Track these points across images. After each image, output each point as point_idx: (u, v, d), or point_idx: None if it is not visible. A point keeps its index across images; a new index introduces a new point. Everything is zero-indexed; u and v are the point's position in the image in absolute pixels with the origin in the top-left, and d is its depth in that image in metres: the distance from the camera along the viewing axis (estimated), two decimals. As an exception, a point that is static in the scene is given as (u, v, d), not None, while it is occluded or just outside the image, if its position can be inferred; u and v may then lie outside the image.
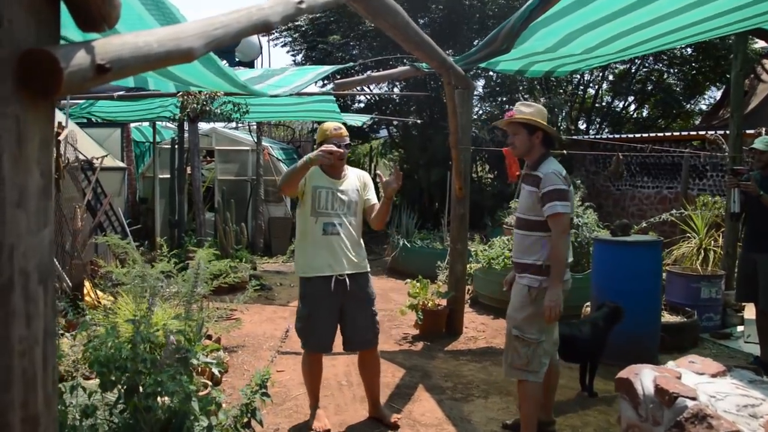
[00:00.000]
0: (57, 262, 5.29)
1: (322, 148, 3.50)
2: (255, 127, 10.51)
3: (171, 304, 4.90)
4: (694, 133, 10.73)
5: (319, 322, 3.65)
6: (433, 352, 5.51)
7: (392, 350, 5.54)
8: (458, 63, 5.41)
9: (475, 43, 11.46)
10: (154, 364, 2.26)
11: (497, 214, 10.77)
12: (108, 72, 0.86)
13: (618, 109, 15.37)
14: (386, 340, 5.87)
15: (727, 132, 7.04)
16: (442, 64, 4.24)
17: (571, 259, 3.54)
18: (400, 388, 4.58)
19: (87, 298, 5.36)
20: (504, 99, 13.59)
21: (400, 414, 4.06)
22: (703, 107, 15.92)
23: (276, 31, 14.37)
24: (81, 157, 6.26)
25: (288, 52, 14.72)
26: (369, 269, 3.87)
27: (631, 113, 15.59)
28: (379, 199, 3.84)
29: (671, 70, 14.29)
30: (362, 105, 14.73)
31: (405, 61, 6.72)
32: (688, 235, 7.03)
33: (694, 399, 1.95)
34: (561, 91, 14.62)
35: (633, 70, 14.41)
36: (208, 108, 7.64)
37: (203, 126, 11.20)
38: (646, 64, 14.31)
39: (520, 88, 13.65)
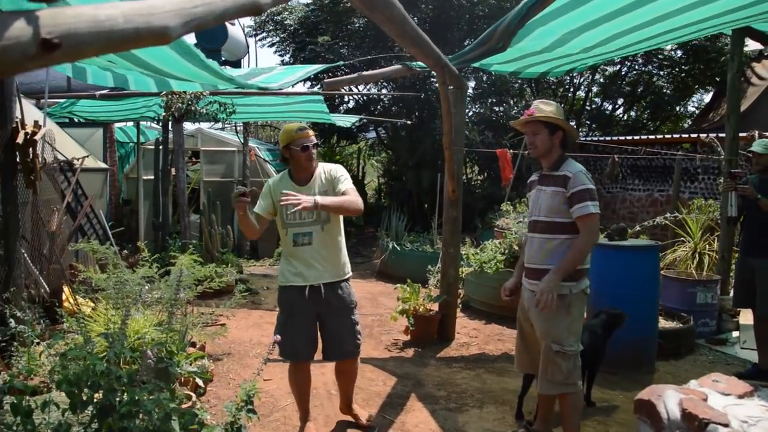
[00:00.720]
0: (34, 267, 5.08)
1: (236, 193, 3.24)
2: (242, 127, 10.32)
3: (153, 310, 4.72)
4: (685, 135, 10.68)
5: (294, 330, 3.52)
6: (425, 359, 5.35)
7: (383, 357, 5.38)
8: (452, 62, 5.26)
9: (465, 43, 11.35)
10: (130, 380, 2.09)
11: (487, 217, 10.66)
12: (57, 49, 0.69)
13: (608, 112, 15.32)
14: (376, 346, 5.71)
15: (721, 135, 6.97)
16: (437, 63, 4.09)
17: (588, 265, 3.35)
18: (392, 397, 4.42)
19: (66, 304, 5.15)
20: (494, 100, 13.50)
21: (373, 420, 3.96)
22: (693, 110, 15.91)
23: (263, 31, 14.17)
24: (60, 157, 6.04)
25: (275, 51, 14.53)
26: (349, 275, 3.71)
27: (621, 115, 15.55)
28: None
29: (661, 73, 14.26)
30: (351, 105, 14.57)
31: (393, 61, 6.60)
32: (681, 238, 6.93)
33: (726, 425, 1.79)
34: (551, 92, 14.55)
35: (623, 72, 14.37)
36: (193, 108, 7.45)
37: (188, 126, 10.99)
38: (636, 67, 14.28)
39: (510, 89, 13.57)
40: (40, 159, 4.62)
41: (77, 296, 5.17)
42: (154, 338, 4.23)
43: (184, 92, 7.32)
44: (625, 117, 15.60)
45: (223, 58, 9.67)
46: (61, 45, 0.69)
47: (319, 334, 3.64)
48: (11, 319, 3.91)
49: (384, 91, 14.03)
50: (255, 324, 6.37)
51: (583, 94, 15.21)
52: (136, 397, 2.00)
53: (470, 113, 13.66)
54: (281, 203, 3.17)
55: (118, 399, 2.13)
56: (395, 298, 6.05)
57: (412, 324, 5.71)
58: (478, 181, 14.26)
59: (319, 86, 11.61)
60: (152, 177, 9.39)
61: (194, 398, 3.74)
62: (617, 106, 15.46)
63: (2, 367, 3.89)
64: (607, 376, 4.68)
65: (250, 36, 14.38)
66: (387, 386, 4.64)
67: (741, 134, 6.68)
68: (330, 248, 3.57)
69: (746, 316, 5.45)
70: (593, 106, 15.42)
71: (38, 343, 4.13)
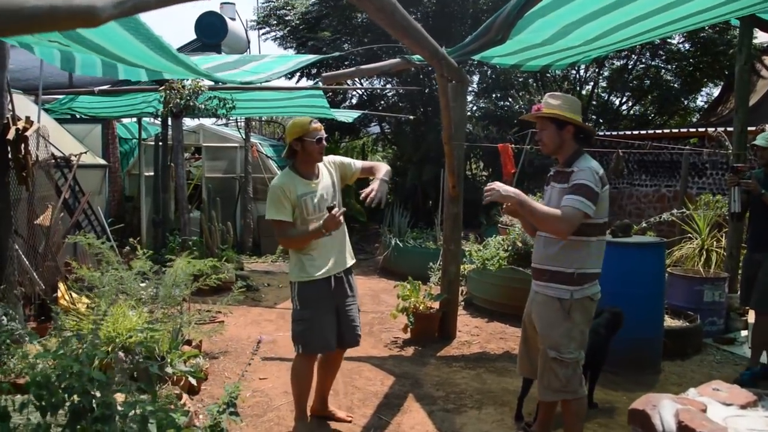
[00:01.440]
0: (29, 264, 5.02)
1: (331, 217, 3.34)
2: (243, 123, 10.24)
3: (149, 307, 4.65)
4: (693, 130, 10.52)
5: (324, 323, 3.55)
6: (424, 357, 5.26)
7: (381, 355, 5.29)
8: (451, 55, 5.15)
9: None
10: (104, 383, 2.00)
11: (492, 213, 10.53)
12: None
13: (614, 106, 15.14)
14: (376, 344, 5.62)
15: (729, 129, 6.82)
16: (433, 55, 3.98)
17: (596, 270, 3.16)
18: (389, 397, 4.33)
19: (62, 301, 5.09)
20: (499, 95, 13.36)
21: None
22: (701, 104, 15.70)
23: (266, 25, 14.07)
24: (57, 153, 5.98)
25: (279, 46, 14.43)
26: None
27: (628, 110, 15.36)
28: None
29: (669, 66, 14.06)
30: (354, 101, 14.47)
31: (390, 53, 6.47)
32: (689, 235, 6.79)
33: (726, 441, 1.69)
34: (556, 87, 14.39)
35: (630, 66, 14.18)
36: (192, 103, 7.36)
37: (190, 122, 10.92)
38: (643, 60, 14.09)
39: (515, 83, 13.42)
40: (33, 155, 4.56)
41: (72, 293, 5.11)
42: (146, 337, 4.18)
43: (183, 87, 7.24)
44: (632, 111, 15.41)
45: (223, 53, 9.59)
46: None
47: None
48: (3, 317, 3.86)
49: (388, 86, 13.94)
50: (254, 321, 6.29)
51: (589, 88, 15.03)
52: (109, 401, 1.92)
53: (474, 108, 13.53)
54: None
55: (95, 402, 2.05)
56: (396, 295, 5.96)
57: (412, 322, 5.62)
58: (484, 177, 14.12)
59: (318, 80, 11.51)
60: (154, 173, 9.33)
61: (185, 398, 3.66)
62: (624, 100, 15.27)
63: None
64: (610, 376, 4.57)
65: (253, 30, 14.32)
66: (384, 386, 4.55)
67: (750, 128, 6.54)
68: (343, 234, 3.67)
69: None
70: (600, 100, 15.24)
71: (31, 342, 4.07)
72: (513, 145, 6.14)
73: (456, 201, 5.77)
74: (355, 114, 11.64)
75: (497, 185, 3.01)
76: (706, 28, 11.95)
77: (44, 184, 5.48)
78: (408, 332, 5.72)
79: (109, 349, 3.89)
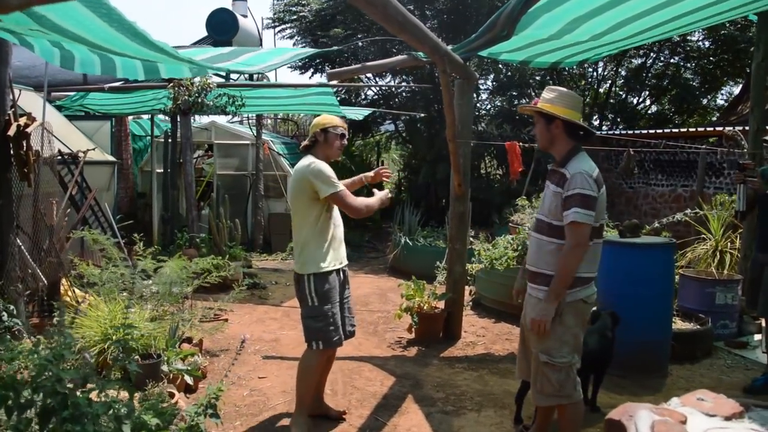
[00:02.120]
0: (32, 260, 5.03)
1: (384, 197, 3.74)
2: (254, 120, 10.23)
3: (151, 305, 4.64)
4: (711, 129, 10.30)
5: (338, 316, 3.60)
6: (427, 358, 5.18)
7: (384, 356, 5.23)
8: (456, 51, 5.07)
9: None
10: (77, 382, 1.97)
11: (504, 212, 10.41)
12: None
13: (632, 105, 14.89)
14: (379, 344, 5.56)
15: (746, 128, 6.65)
16: (434, 50, 3.90)
17: (590, 274, 3.08)
18: (388, 398, 4.27)
19: (66, 297, 5.10)
20: (514, 93, 13.21)
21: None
22: (721, 102, 15.39)
23: (281, 23, 14.06)
24: (64, 150, 5.99)
25: (294, 44, 14.41)
26: None
27: (646, 108, 15.10)
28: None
29: (688, 65, 13.79)
30: (367, 100, 14.41)
31: (394, 49, 6.39)
32: (703, 236, 6.64)
33: (701, 457, 1.59)
34: (573, 85, 14.19)
35: (648, 64, 13.94)
36: (200, 100, 7.35)
37: (203, 119, 10.95)
38: (662, 58, 13.83)
39: (531, 82, 13.25)
40: (34, 151, 4.56)
41: (75, 289, 5.11)
42: (144, 334, 4.16)
43: (191, 84, 7.23)
44: (650, 110, 15.16)
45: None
46: None
47: None
48: (3, 313, 3.86)
49: (403, 84, 13.85)
50: (258, 320, 6.27)
51: (607, 87, 14.80)
52: (77, 401, 1.88)
53: (488, 106, 13.40)
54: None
55: (69, 401, 2.01)
56: (401, 294, 5.89)
57: (416, 322, 5.54)
58: (498, 176, 13.99)
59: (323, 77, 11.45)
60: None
61: (178, 397, 3.63)
62: (642, 99, 15.02)
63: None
64: (615, 379, 4.46)
65: (269, 28, 14.30)
66: (384, 386, 4.49)
67: (767, 127, 6.36)
68: (342, 228, 3.72)
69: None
70: (618, 99, 15.00)
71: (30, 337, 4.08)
72: (520, 144, 6.01)
73: (462, 199, 5.68)
74: (366, 111, 11.58)
75: (539, 321, 2.96)
76: (727, 24, 11.70)
77: (50, 180, 5.49)
78: (412, 332, 5.66)
79: (105, 346, 3.90)
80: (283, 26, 14.28)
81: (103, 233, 5.99)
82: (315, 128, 3.61)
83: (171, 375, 4.01)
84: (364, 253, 10.58)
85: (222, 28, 8.74)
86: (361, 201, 3.59)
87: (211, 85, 7.31)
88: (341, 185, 3.48)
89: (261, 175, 10.23)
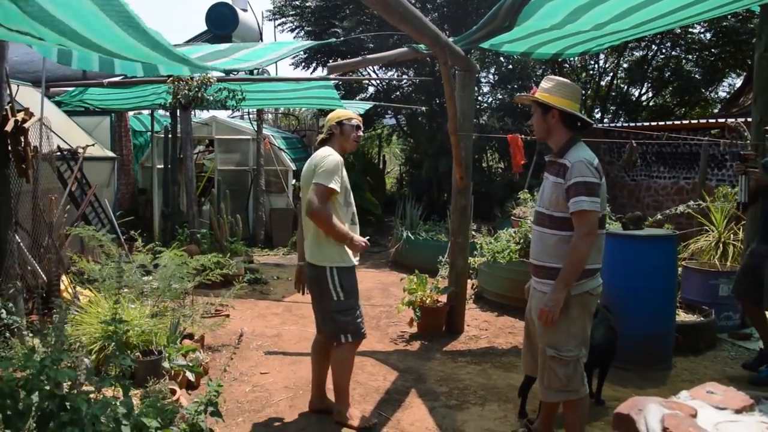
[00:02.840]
0: (31, 257, 5.00)
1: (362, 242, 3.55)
2: (255, 115, 10.20)
3: (151, 301, 4.61)
4: (713, 121, 10.24)
5: (362, 308, 3.73)
6: (430, 352, 5.16)
7: (387, 350, 5.21)
8: (458, 43, 5.04)
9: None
10: (73, 383, 1.94)
11: (506, 205, 10.37)
12: None
13: (634, 97, 14.83)
14: (381, 338, 5.54)
15: (749, 119, 6.59)
16: (435, 42, 3.86)
17: (595, 265, 3.04)
18: (391, 393, 4.24)
19: (65, 294, 5.07)
20: (516, 86, 13.14)
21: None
22: (723, 94, 15.33)
23: (282, 16, 13.98)
24: (64, 146, 5.96)
25: (295, 37, 14.34)
26: None
27: (648, 100, 15.04)
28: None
29: (689, 57, 13.72)
30: (368, 93, 14.35)
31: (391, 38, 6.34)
32: (705, 228, 6.60)
33: (715, 449, 1.56)
34: (575, 77, 14.13)
35: (650, 56, 13.87)
36: (200, 95, 7.31)
37: (203, 114, 10.91)
38: (664, 50, 13.76)
39: (533, 75, 13.19)
40: (32, 147, 4.52)
41: (75, 286, 5.09)
42: (144, 330, 4.14)
43: (191, 79, 7.20)
44: (652, 102, 15.09)
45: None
46: None
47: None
48: (2, 310, 3.84)
49: (404, 77, 13.79)
50: (260, 315, 6.24)
51: (608, 79, 14.74)
52: (77, 405, 1.85)
53: (490, 99, 13.35)
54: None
55: (67, 405, 1.99)
56: (403, 288, 5.86)
57: (419, 316, 5.52)
58: (500, 169, 13.94)
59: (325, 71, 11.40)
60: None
61: (179, 393, 3.61)
62: (644, 91, 14.95)
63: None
64: (619, 372, 4.44)
65: (269, 20, 14.23)
66: (387, 381, 4.47)
67: (770, 118, 6.30)
68: None
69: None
70: (619, 91, 14.94)
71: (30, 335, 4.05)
72: (522, 137, 5.98)
73: (464, 192, 5.65)
74: (366, 105, 11.53)
75: (548, 311, 2.92)
76: (728, 16, 11.62)
77: (49, 176, 5.46)
78: (414, 326, 5.63)
79: (106, 344, 3.87)
80: (284, 19, 14.21)
81: (103, 229, 5.97)
82: (330, 122, 3.68)
83: (172, 371, 3.99)
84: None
85: (222, 23, 8.71)
86: (334, 218, 3.44)
87: (211, 80, 7.27)
88: (336, 187, 3.42)
89: (262, 170, 10.19)
